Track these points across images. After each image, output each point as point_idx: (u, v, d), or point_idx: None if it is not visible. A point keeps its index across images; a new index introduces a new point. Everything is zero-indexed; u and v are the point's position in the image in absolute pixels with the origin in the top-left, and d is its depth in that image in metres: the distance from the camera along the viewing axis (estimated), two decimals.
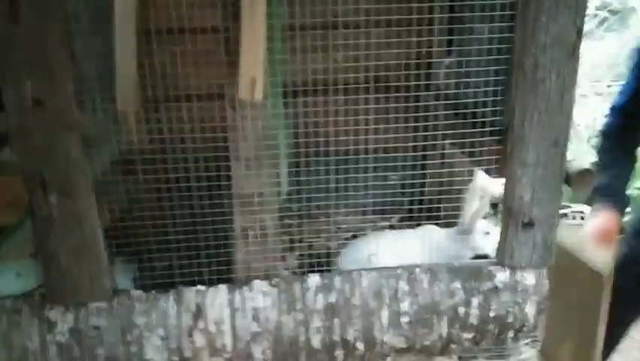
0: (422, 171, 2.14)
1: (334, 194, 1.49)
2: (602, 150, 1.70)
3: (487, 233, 1.63)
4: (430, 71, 1.90)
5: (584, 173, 1.33)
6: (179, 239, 1.40)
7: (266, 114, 1.26)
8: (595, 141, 1.74)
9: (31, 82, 1.14)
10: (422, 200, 2.12)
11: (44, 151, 1.20)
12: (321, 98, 1.57)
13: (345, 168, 1.50)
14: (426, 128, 1.69)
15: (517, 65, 1.24)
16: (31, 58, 1.12)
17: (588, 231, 1.56)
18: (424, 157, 1.98)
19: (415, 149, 1.50)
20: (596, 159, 1.72)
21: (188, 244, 1.41)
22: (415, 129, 1.66)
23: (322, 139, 1.69)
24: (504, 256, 1.41)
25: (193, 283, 1.39)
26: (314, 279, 1.40)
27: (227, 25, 1.16)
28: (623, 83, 1.71)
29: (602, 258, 1.46)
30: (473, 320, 1.44)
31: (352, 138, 1.70)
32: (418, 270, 1.42)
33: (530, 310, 1.44)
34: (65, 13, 1.13)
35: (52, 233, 1.26)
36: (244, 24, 1.11)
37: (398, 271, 1.42)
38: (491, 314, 1.43)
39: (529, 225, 1.37)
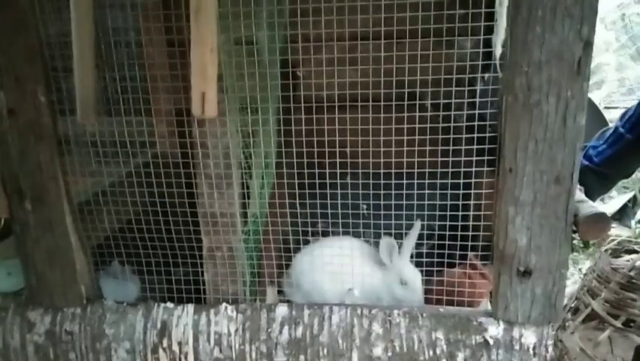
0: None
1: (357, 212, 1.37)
2: None
3: (404, 284, 1.44)
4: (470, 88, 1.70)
5: (595, 217, 1.08)
6: (155, 253, 1.39)
7: (231, 131, 1.21)
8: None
9: (4, 92, 1.19)
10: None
11: (19, 159, 1.25)
12: (347, 115, 1.47)
13: (373, 188, 1.37)
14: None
15: (507, 85, 1.05)
16: (4, 69, 1.18)
17: None
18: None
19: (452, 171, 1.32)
20: None
21: (163, 259, 1.39)
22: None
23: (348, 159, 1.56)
24: (497, 307, 1.20)
25: (164, 300, 1.37)
26: (282, 309, 1.31)
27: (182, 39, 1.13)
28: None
29: None
30: None
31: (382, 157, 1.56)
32: (395, 312, 1.26)
33: None
34: (36, 25, 1.17)
35: (28, 238, 1.32)
36: (192, 38, 1.07)
37: (373, 312, 1.27)
38: None
39: (525, 274, 1.15)
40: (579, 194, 1.17)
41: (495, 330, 1.21)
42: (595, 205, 1.11)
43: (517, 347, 1.21)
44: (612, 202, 3.76)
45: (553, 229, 1.11)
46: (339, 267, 1.39)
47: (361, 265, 1.45)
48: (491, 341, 1.21)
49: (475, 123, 1.18)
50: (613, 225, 3.53)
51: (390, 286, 1.48)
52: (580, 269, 2.99)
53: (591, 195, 1.49)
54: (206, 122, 1.18)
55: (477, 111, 1.17)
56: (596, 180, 1.46)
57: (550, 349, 1.21)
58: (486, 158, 1.15)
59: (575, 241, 3.43)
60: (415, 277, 1.46)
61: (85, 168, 1.33)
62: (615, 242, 3.07)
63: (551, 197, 1.09)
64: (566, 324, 2.36)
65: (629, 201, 3.66)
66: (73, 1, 1.10)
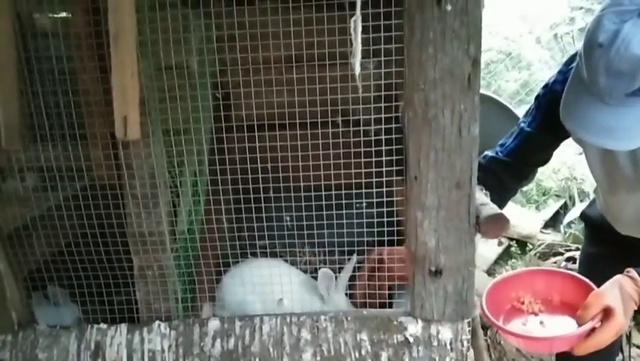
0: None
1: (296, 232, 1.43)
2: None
3: None
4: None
5: (494, 217, 1.19)
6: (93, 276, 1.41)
7: (156, 152, 1.26)
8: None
9: None
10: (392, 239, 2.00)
11: None
12: (283, 133, 1.54)
13: (306, 205, 1.44)
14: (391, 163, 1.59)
15: (408, 101, 1.15)
16: None
17: None
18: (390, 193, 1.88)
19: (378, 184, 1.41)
20: None
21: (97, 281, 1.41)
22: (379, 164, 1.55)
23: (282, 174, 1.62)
24: (414, 306, 1.29)
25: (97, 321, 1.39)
26: (214, 323, 1.35)
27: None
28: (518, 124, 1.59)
29: None
30: None
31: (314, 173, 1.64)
32: (322, 317, 1.33)
33: None
34: None
35: None
36: (112, 64, 1.12)
37: (301, 319, 1.33)
38: None
39: (437, 273, 1.24)
40: (481, 197, 1.29)
41: (414, 328, 1.29)
42: (495, 207, 1.22)
43: (435, 344, 1.29)
44: (546, 210, 3.99)
45: (458, 230, 1.21)
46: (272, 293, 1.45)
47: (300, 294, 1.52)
48: (411, 339, 1.29)
49: (385, 137, 1.28)
50: (547, 231, 3.74)
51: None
52: None
53: (506, 187, 1.59)
54: (130, 145, 1.23)
55: (383, 126, 1.27)
56: (505, 171, 1.56)
57: (465, 343, 1.30)
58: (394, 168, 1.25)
59: (512, 249, 3.62)
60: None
61: (17, 195, 1.35)
62: (544, 245, 3.27)
63: (453, 201, 1.19)
64: None
65: (560, 207, 3.90)
66: None
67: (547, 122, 1.47)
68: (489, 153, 1.62)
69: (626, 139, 1.19)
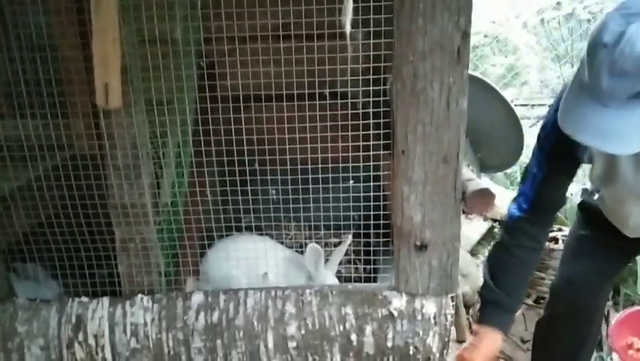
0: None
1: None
2: (498, 251, 1.56)
3: None
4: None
5: (480, 192, 1.19)
6: (68, 248, 1.38)
7: (138, 122, 1.23)
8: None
9: None
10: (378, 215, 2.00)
11: None
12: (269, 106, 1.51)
13: (292, 179, 1.41)
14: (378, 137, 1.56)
15: (396, 74, 1.14)
16: None
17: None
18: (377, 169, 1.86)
19: (366, 160, 1.38)
20: (487, 264, 1.58)
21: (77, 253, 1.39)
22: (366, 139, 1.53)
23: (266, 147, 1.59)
24: (399, 281, 1.29)
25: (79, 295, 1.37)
26: (197, 297, 1.34)
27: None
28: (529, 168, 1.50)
29: None
30: (369, 349, 1.32)
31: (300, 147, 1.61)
32: (307, 291, 1.32)
33: (433, 342, 1.31)
34: None
35: None
36: (93, 30, 1.09)
37: (286, 293, 1.33)
38: (388, 344, 1.31)
39: (422, 248, 1.24)
40: (467, 172, 1.28)
41: (398, 302, 1.29)
42: (480, 182, 1.22)
43: (419, 318, 1.30)
44: None
45: (444, 205, 1.21)
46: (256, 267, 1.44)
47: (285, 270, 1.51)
48: (395, 313, 1.29)
49: (372, 110, 1.26)
50: None
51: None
52: None
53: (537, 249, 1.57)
54: (112, 114, 1.20)
55: (371, 99, 1.25)
56: (535, 226, 1.51)
57: (449, 318, 1.31)
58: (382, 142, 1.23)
59: (495, 230, 3.65)
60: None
61: None
62: None
63: (440, 176, 1.19)
64: None
65: None
66: None
67: (556, 160, 1.44)
68: (514, 212, 1.52)
69: (624, 143, 1.17)
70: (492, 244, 1.56)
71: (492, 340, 1.46)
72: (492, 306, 1.49)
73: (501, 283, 1.48)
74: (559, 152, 1.38)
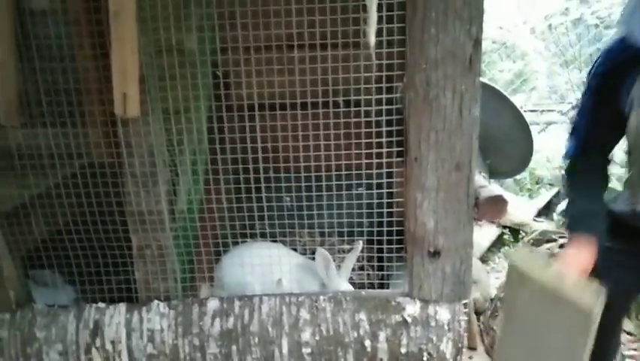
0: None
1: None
2: (570, 174, 1.52)
3: None
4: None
5: (494, 199, 1.20)
6: (86, 255, 1.41)
7: (155, 130, 1.25)
8: (562, 164, 1.54)
9: None
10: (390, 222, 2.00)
11: None
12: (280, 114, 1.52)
13: (305, 187, 1.42)
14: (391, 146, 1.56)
15: (409, 82, 1.16)
16: None
17: (565, 265, 1.37)
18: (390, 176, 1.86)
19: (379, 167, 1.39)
20: (565, 184, 1.55)
21: (94, 260, 1.41)
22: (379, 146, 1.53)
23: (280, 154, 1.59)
24: (412, 287, 1.30)
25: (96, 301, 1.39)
26: (213, 303, 1.36)
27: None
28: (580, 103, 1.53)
29: (589, 294, 1.27)
30: (382, 355, 1.32)
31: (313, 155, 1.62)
32: (321, 297, 1.34)
33: (447, 349, 1.31)
34: None
35: None
36: (112, 40, 1.11)
37: (300, 299, 1.34)
38: (402, 350, 1.32)
39: (435, 254, 1.25)
40: (480, 179, 1.29)
41: (412, 309, 1.30)
42: (493, 188, 1.23)
43: (432, 324, 1.30)
44: (539, 198, 4.02)
45: (457, 211, 1.22)
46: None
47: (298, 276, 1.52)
48: (409, 320, 1.30)
49: (385, 118, 1.27)
50: (540, 219, 3.77)
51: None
52: None
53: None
54: (129, 122, 1.22)
55: (384, 107, 1.27)
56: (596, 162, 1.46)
57: (462, 324, 1.31)
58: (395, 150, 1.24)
59: (505, 236, 3.65)
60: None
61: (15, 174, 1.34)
62: (537, 233, 3.30)
63: (453, 183, 1.20)
64: (497, 313, 2.51)
65: (553, 196, 3.92)
66: None
67: (604, 99, 1.41)
68: (570, 151, 1.48)
69: None
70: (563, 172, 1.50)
71: (590, 244, 1.39)
72: (580, 216, 1.43)
73: (584, 193, 1.43)
74: (607, 87, 1.33)
